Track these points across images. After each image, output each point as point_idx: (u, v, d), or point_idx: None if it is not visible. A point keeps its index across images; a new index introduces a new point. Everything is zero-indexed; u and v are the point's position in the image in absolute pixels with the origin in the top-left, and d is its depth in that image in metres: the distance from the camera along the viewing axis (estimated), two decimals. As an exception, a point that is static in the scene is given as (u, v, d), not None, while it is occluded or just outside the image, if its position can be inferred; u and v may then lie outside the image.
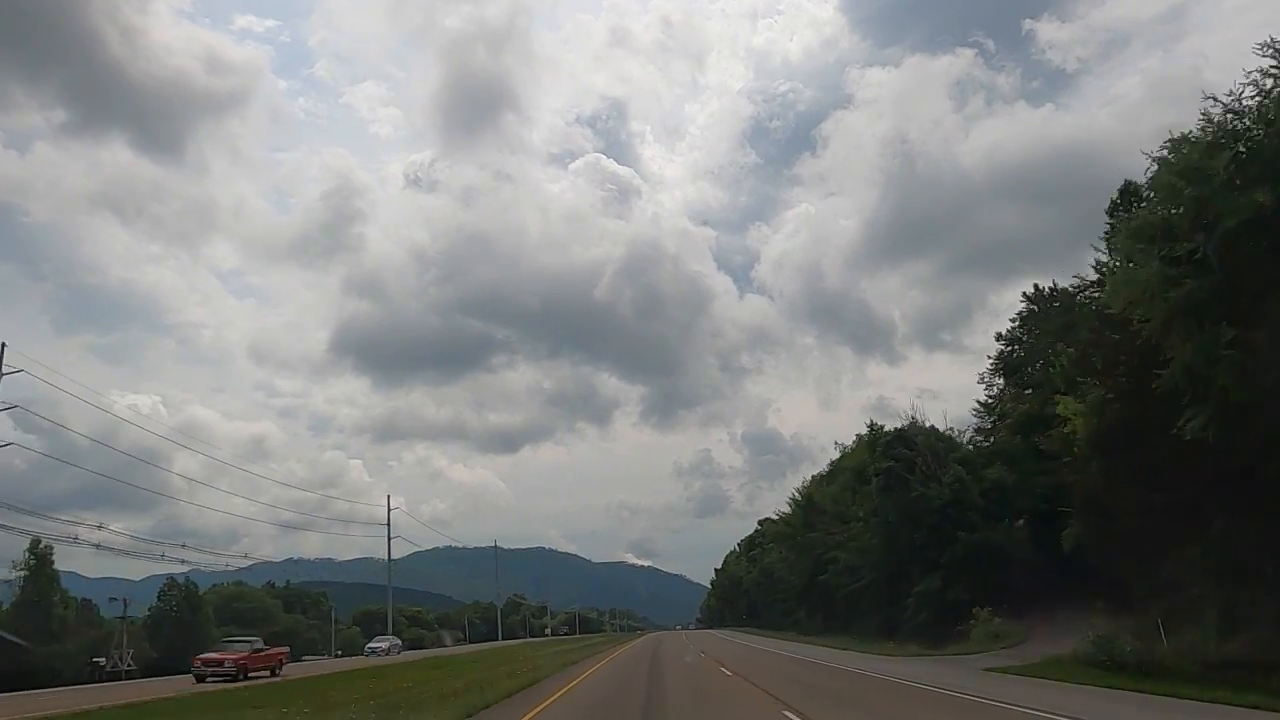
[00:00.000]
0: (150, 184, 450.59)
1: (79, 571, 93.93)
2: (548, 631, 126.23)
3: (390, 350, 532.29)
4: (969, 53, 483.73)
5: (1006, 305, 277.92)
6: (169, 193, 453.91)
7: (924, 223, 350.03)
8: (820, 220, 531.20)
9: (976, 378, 44.31)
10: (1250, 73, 15.71)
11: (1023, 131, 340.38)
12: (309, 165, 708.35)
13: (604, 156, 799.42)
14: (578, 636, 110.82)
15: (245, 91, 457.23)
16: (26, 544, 45.52)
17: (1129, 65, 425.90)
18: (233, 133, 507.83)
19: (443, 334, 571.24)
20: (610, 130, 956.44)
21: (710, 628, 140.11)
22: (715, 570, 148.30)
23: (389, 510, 69.25)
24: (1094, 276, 28.98)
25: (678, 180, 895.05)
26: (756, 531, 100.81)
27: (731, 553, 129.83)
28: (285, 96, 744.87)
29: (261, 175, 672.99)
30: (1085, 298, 31.41)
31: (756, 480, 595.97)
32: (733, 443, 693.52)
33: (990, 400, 43.84)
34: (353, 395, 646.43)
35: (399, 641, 62.22)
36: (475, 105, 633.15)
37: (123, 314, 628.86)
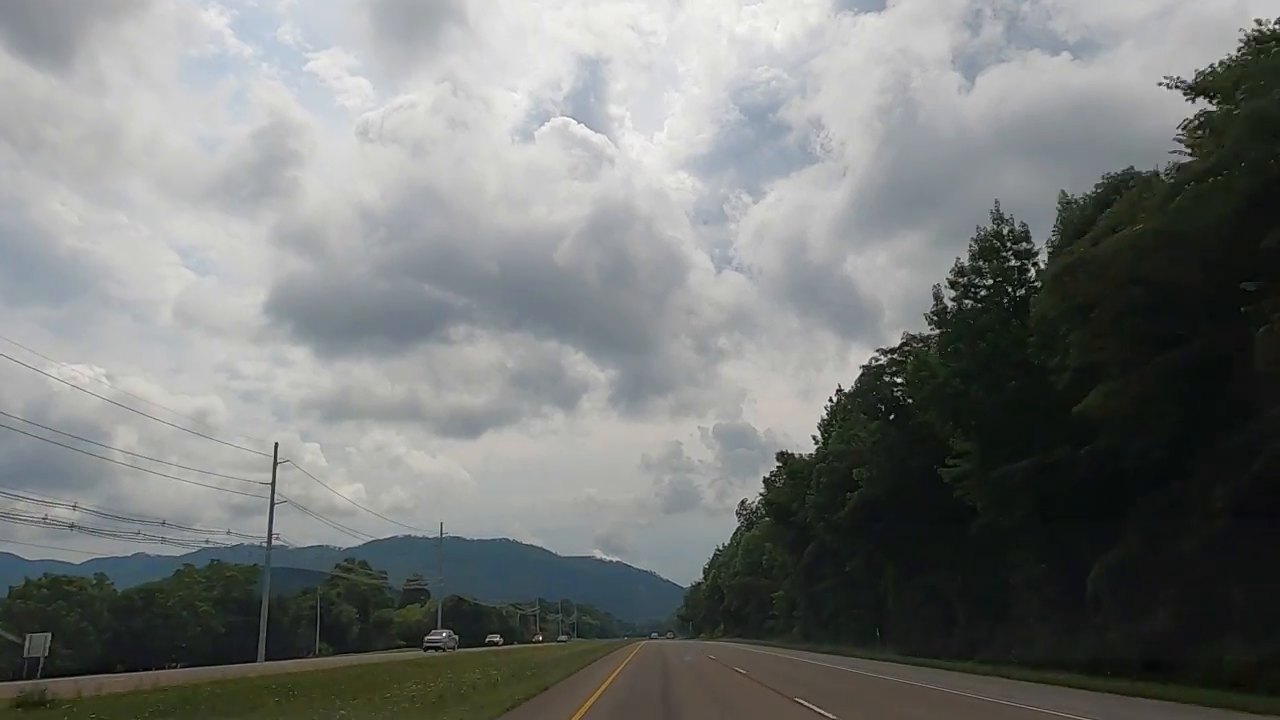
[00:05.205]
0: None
1: (17, 554, 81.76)
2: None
3: (335, 314, 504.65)
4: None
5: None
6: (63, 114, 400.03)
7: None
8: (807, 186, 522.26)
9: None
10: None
11: (1032, 80, 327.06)
12: (235, 93, 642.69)
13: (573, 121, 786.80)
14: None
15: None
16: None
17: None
18: (129, 39, 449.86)
19: (392, 297, 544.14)
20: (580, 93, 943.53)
21: (696, 635, 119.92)
22: (738, 509, 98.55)
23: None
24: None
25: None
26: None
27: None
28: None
29: (176, 99, 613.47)
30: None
31: (728, 476, 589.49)
32: (704, 437, 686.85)
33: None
34: (297, 366, 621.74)
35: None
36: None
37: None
